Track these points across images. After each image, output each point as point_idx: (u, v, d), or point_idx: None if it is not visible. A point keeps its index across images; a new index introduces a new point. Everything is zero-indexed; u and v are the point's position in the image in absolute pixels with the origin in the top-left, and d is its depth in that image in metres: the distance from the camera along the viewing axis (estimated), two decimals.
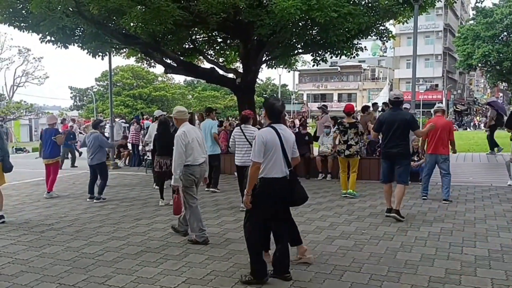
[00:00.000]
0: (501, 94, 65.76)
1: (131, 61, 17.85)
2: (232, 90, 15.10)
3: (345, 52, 12.80)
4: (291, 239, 4.57)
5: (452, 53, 56.07)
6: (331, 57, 14.37)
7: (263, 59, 14.26)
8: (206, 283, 4.22)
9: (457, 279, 4.15)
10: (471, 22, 47.25)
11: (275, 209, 4.18)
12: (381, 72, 58.79)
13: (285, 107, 4.47)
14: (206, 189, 9.37)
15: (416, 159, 9.73)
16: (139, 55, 15.89)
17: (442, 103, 9.16)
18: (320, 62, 14.59)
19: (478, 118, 49.56)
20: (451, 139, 7.89)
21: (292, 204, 4.42)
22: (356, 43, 13.46)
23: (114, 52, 15.28)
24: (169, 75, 46.34)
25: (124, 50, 15.56)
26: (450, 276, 4.21)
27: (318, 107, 12.91)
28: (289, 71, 19.67)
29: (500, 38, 42.86)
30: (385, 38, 14.17)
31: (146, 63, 16.96)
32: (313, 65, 15.32)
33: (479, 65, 45.54)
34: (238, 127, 7.63)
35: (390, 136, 6.50)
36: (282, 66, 16.37)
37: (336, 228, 6.10)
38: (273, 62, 15.52)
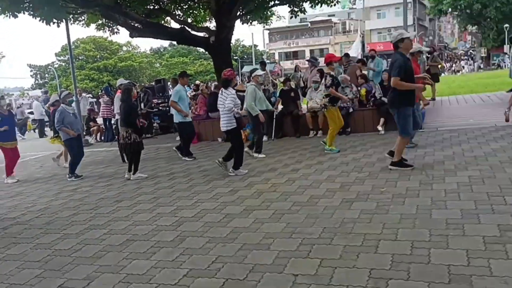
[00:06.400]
0: (469, 38, 65.78)
1: (92, 30, 16.41)
2: (206, 50, 14.02)
3: None
4: None
5: (422, 0, 55.37)
6: (311, 7, 13.35)
7: (237, 13, 13.13)
8: (213, 274, 3.38)
9: None
10: None
11: None
12: (352, 24, 57.68)
13: None
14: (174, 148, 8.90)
15: None
16: (100, 21, 14.50)
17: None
18: (298, 13, 13.60)
19: (451, 63, 49.46)
20: None
21: None
22: None
23: (72, 19, 13.86)
24: (134, 43, 44.28)
25: (83, 17, 14.16)
26: (507, 234, 3.49)
27: (307, 60, 12.06)
28: (264, 27, 18.63)
29: None
30: None
31: (109, 30, 15.52)
32: (291, 17, 14.34)
33: (450, 9, 45.06)
34: (221, 91, 6.89)
35: None
36: (257, 20, 15.25)
37: (349, 188, 5.32)
38: (248, 16, 14.40)
